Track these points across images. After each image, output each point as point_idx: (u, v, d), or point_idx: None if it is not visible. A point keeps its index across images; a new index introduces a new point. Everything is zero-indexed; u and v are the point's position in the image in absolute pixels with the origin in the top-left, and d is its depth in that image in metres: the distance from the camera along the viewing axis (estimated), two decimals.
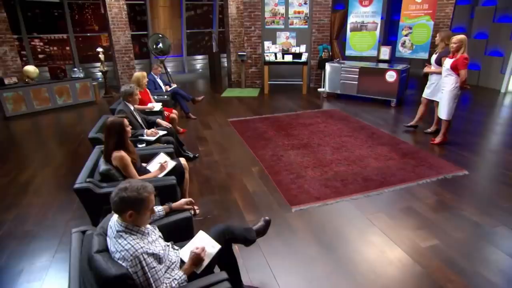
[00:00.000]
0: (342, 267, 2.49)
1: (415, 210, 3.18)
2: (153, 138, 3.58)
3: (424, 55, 7.52)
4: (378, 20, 7.87)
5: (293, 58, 7.92)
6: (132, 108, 3.84)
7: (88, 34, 10.28)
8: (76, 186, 2.42)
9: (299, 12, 8.40)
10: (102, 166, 2.62)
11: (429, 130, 5.22)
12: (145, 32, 10.42)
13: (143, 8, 10.66)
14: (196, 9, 11.75)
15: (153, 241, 1.70)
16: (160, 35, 8.52)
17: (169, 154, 3.20)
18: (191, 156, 4.36)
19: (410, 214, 3.13)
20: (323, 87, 8.06)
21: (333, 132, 5.34)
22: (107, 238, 1.68)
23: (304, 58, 7.81)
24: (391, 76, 6.57)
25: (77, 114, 6.92)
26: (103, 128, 2.70)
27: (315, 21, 8.21)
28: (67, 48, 10.50)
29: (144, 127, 3.90)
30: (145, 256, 1.56)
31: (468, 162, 4.22)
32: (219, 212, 3.23)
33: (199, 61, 11.57)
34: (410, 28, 7.59)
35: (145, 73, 4.86)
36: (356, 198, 3.44)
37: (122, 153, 2.64)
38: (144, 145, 3.53)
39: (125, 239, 1.58)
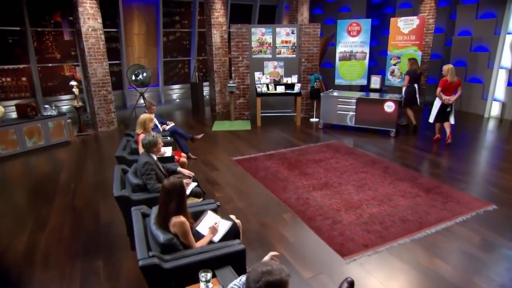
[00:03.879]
0: None
1: (467, 253, 3.39)
2: (188, 192, 3.48)
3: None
4: (366, 49, 8.47)
5: (286, 89, 8.19)
6: (155, 158, 3.73)
7: (50, 65, 9.81)
8: (142, 263, 2.28)
9: (286, 42, 8.78)
10: (162, 236, 2.50)
11: (403, 123, 7.77)
12: (118, 62, 10.19)
13: (111, 35, 10.47)
14: (168, 35, 11.78)
15: None
16: (140, 66, 8.41)
17: (213, 211, 3.14)
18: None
19: (464, 257, 3.33)
20: (317, 118, 8.39)
21: (347, 169, 5.55)
22: None
23: (297, 88, 8.11)
24: (389, 107, 7.03)
25: (52, 158, 6.50)
26: (161, 192, 2.59)
27: (304, 50, 8.61)
28: (23, 79, 9.91)
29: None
30: None
31: (490, 195, 4.60)
32: None
33: (176, 91, 11.48)
34: (399, 57, 8.26)
35: (152, 116, 4.77)
36: (402, 242, 3.59)
37: (182, 218, 2.56)
38: None
39: None
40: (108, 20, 9.99)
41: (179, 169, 4.03)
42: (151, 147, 3.64)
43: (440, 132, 6.74)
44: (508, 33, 8.13)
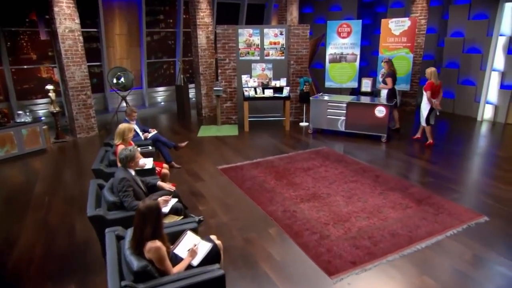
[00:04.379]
0: None
1: (458, 270, 3.38)
2: (167, 210, 3.41)
3: (405, 87, 8.23)
4: (357, 51, 8.48)
5: (274, 92, 8.14)
6: (133, 173, 3.64)
7: (25, 66, 9.59)
8: None
9: (275, 43, 8.73)
10: (136, 262, 2.42)
11: (394, 127, 7.76)
12: (99, 63, 10.01)
13: (91, 34, 10.28)
14: (152, 35, 11.63)
15: None
16: (122, 69, 8.28)
17: (193, 230, 3.07)
18: (197, 220, 4.20)
19: (455, 275, 3.32)
20: (306, 122, 8.37)
21: (336, 178, 5.53)
22: None
23: (285, 92, 8.07)
24: (380, 111, 7.04)
25: (26, 168, 6.34)
26: (136, 215, 2.51)
27: (292, 52, 8.58)
28: None
29: (147, 194, 3.71)
30: None
31: (483, 205, 4.63)
32: None
33: (161, 94, 11.35)
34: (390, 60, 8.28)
35: (132, 126, 4.67)
36: (392, 259, 3.57)
37: (158, 243, 2.49)
38: None
39: None
40: (88, 19, 9.80)
41: (159, 183, 3.94)
42: (128, 162, 3.54)
43: (432, 136, 6.90)
44: (501, 35, 8.22)
